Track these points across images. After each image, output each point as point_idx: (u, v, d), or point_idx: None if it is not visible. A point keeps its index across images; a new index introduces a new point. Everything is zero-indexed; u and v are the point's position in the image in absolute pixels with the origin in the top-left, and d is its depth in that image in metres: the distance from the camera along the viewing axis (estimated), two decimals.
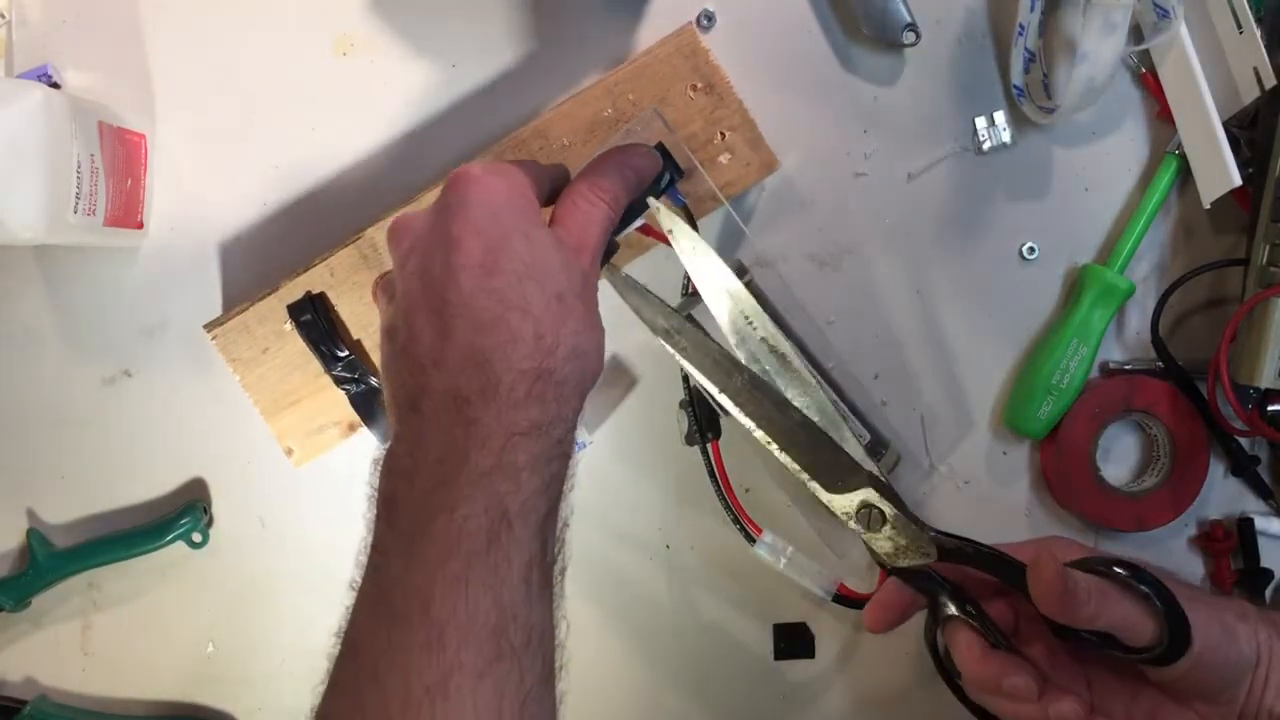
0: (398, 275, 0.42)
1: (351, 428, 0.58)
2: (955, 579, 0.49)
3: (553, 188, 0.47)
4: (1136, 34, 0.56)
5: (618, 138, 0.54)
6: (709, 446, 0.56)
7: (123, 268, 0.60)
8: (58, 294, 0.60)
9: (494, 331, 0.39)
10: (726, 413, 0.49)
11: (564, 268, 0.42)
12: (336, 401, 0.57)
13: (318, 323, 0.56)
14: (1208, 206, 0.56)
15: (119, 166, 0.55)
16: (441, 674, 0.36)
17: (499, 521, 0.38)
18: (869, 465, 0.49)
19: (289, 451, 0.58)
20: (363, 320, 0.57)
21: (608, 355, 0.61)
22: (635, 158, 0.48)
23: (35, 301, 0.60)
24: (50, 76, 0.58)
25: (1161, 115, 0.59)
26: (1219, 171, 0.55)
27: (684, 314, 0.53)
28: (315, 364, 0.57)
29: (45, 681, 0.62)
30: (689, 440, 0.58)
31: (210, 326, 0.57)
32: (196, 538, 0.60)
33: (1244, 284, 0.57)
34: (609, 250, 0.47)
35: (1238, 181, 0.54)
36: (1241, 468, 0.61)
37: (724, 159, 0.57)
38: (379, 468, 0.41)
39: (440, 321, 0.40)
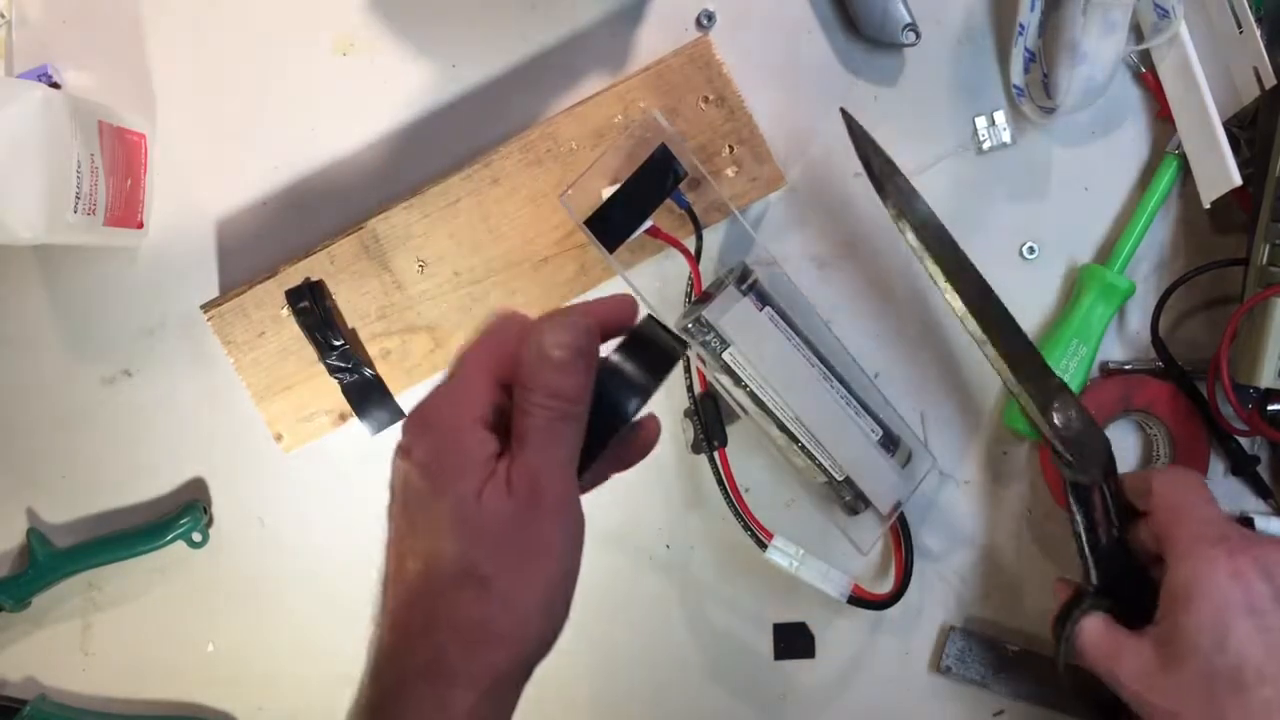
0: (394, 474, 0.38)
1: (342, 417, 0.58)
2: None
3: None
4: (1136, 34, 0.57)
5: (621, 139, 0.54)
6: (716, 455, 0.56)
7: (123, 267, 0.60)
8: (58, 294, 0.60)
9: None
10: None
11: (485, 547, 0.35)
12: (329, 390, 0.57)
13: (315, 310, 0.55)
14: (1208, 206, 0.56)
15: (119, 166, 0.55)
16: None
17: None
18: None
19: (278, 437, 0.58)
20: (360, 310, 0.57)
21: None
22: (600, 309, 0.39)
23: (35, 301, 0.60)
24: (50, 76, 0.58)
25: (1161, 115, 0.59)
26: (1219, 171, 0.55)
27: (692, 318, 0.52)
28: (310, 351, 0.56)
29: (45, 681, 0.62)
30: (695, 449, 0.57)
31: (207, 307, 0.57)
32: (196, 537, 0.60)
33: (1244, 284, 0.57)
34: (590, 451, 0.38)
35: (1238, 181, 0.54)
36: (1241, 468, 0.61)
37: (730, 172, 0.57)
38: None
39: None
